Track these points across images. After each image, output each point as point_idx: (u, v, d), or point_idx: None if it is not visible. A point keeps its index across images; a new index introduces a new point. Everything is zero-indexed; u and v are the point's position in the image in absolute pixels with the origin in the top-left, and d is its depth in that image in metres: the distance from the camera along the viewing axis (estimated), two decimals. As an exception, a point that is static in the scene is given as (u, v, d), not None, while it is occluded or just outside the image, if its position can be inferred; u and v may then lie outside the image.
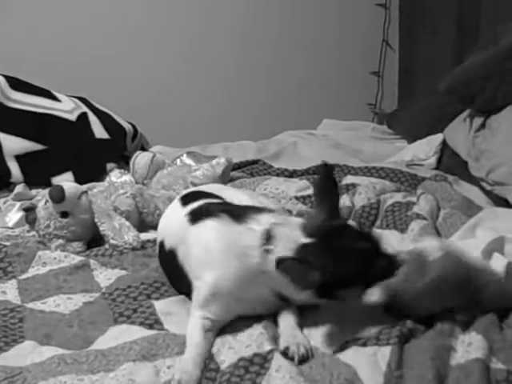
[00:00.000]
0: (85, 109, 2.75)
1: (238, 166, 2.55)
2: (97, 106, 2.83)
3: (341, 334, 1.30)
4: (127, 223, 1.95)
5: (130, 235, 1.90)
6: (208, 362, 1.26)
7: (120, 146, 2.72)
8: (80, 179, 2.33)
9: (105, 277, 1.68)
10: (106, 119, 2.77)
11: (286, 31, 3.60)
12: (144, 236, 1.96)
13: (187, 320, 1.40)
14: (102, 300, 1.56)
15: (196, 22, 3.47)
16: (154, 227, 1.99)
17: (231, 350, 1.27)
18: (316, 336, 1.31)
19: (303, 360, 1.22)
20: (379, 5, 3.63)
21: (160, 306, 1.49)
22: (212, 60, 3.51)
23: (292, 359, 1.22)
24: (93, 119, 2.71)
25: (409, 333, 1.25)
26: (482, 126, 2.50)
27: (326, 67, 3.67)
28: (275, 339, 1.30)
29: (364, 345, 1.25)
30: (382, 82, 3.80)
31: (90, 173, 2.48)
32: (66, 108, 2.70)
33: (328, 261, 1.24)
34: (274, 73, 3.63)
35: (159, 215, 2.00)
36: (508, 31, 2.52)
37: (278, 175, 2.39)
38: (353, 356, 1.22)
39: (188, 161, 2.44)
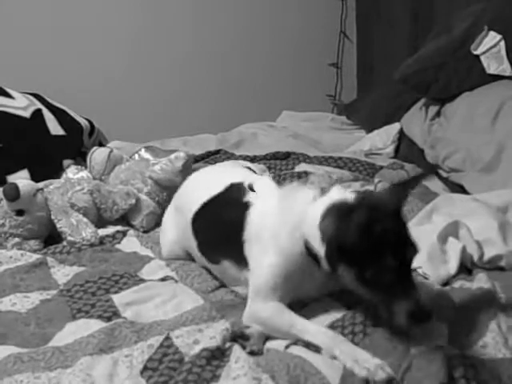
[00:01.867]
0: (39, 105, 2.69)
1: (201, 158, 2.56)
2: (51, 102, 2.75)
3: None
4: (85, 219, 1.93)
5: (88, 231, 1.89)
6: (172, 352, 1.23)
7: (76, 143, 2.67)
8: (36, 177, 2.29)
9: (62, 274, 1.65)
10: (61, 115, 2.71)
11: (243, 23, 3.58)
12: (102, 232, 1.94)
13: (148, 307, 1.42)
14: (59, 297, 1.53)
15: (150, 16, 3.42)
16: (113, 223, 2.01)
17: (196, 342, 1.25)
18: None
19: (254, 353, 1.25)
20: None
21: (119, 298, 1.48)
22: (168, 53, 3.48)
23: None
24: (48, 116, 2.65)
25: (363, 327, 1.24)
26: (437, 114, 2.55)
27: (284, 59, 3.66)
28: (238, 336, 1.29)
29: None
30: (341, 74, 3.82)
31: (47, 170, 2.43)
32: (20, 105, 2.63)
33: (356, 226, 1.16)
34: (233, 66, 3.61)
35: (117, 211, 2.01)
36: (460, 20, 2.56)
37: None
38: (306, 350, 1.22)
39: (146, 155, 2.42)
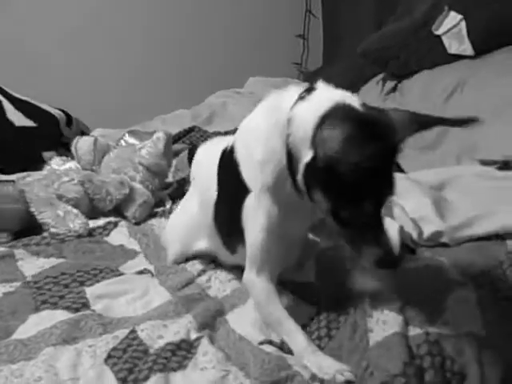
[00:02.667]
0: (-1, 97, 2.69)
1: (178, 137, 2.53)
2: (14, 94, 2.68)
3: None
4: (75, 210, 1.90)
5: (77, 222, 1.85)
6: (137, 343, 1.22)
7: (53, 133, 2.63)
8: (8, 170, 2.27)
9: (34, 266, 1.61)
10: (25, 106, 2.63)
11: None
12: (94, 223, 1.91)
13: (119, 302, 1.39)
14: (23, 289, 1.48)
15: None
16: (105, 214, 1.97)
17: (160, 337, 1.24)
18: (244, 325, 1.29)
19: None
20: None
21: (92, 290, 1.46)
22: (133, 26, 3.49)
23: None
24: (8, 107, 2.58)
25: (327, 330, 1.23)
26: (394, 89, 2.58)
27: (252, 30, 3.68)
28: (203, 326, 1.28)
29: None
30: (308, 44, 3.88)
31: (20, 162, 2.36)
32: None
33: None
34: (202, 36, 3.60)
35: (111, 201, 1.97)
36: (421, 1, 2.61)
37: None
38: (273, 350, 1.20)
39: (131, 140, 2.37)
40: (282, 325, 1.23)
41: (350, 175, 0.98)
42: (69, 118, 2.73)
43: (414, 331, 1.15)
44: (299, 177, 1.11)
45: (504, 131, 1.88)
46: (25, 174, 2.11)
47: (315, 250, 1.51)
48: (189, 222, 1.58)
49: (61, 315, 1.33)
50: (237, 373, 1.12)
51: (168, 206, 2.01)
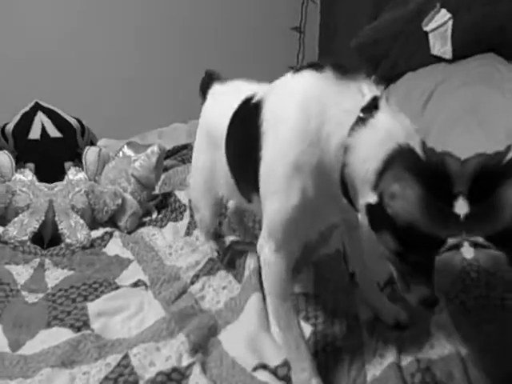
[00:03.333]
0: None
1: (171, 153, 2.53)
2: (46, 105, 2.71)
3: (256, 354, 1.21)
4: (81, 221, 1.91)
5: (83, 233, 1.87)
6: (128, 372, 1.17)
7: (72, 144, 2.64)
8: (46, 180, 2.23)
9: (54, 277, 1.64)
10: (55, 117, 2.68)
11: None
12: (94, 234, 1.91)
13: (115, 320, 1.37)
14: (44, 301, 1.50)
15: (121, 11, 3.42)
16: (103, 224, 1.99)
17: (152, 365, 1.20)
18: (237, 346, 1.23)
19: None
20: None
21: (92, 306, 1.44)
22: (132, 39, 3.46)
23: None
24: (43, 119, 2.63)
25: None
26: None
27: (247, 34, 3.57)
28: (196, 349, 1.22)
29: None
30: (304, 39, 3.73)
31: (53, 173, 2.35)
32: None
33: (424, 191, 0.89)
34: (197, 39, 3.54)
35: (107, 211, 1.97)
36: None
37: None
38: (274, 378, 1.14)
39: (128, 152, 2.38)
40: (291, 331, 1.12)
41: (423, 233, 0.91)
42: (82, 127, 2.74)
43: (406, 360, 1.12)
44: (356, 207, 1.01)
45: (459, 141, 1.83)
46: (53, 185, 2.14)
47: (313, 255, 1.47)
48: (204, 175, 1.49)
49: (65, 334, 1.33)
50: None
51: (154, 216, 2.01)
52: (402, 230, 0.91)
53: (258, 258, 1.49)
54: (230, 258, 1.65)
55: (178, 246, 1.77)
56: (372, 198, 0.94)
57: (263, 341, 1.24)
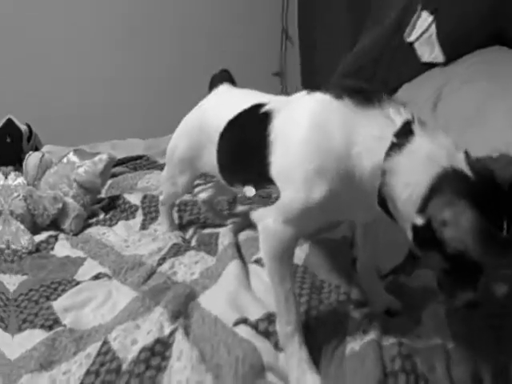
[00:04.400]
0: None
1: (122, 162, 2.52)
2: None
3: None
4: (22, 227, 1.89)
5: (25, 239, 1.85)
6: (109, 359, 1.16)
7: (17, 148, 2.67)
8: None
9: (11, 283, 1.60)
10: (7, 123, 2.65)
11: (181, 37, 3.53)
12: (37, 238, 1.90)
13: (85, 312, 1.36)
14: (10, 307, 1.46)
15: (80, 17, 3.38)
16: (45, 228, 1.98)
17: (134, 343, 1.20)
18: (218, 304, 1.25)
19: None
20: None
21: (58, 304, 1.42)
22: (98, 55, 3.43)
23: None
24: None
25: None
26: None
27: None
28: (176, 315, 1.24)
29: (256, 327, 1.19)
30: (286, 82, 3.78)
31: None
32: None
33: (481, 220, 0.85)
34: (171, 73, 3.55)
35: (48, 216, 1.97)
36: (392, 8, 2.50)
37: (161, 169, 2.17)
38: (250, 333, 1.16)
39: (74, 158, 2.38)
40: (284, 285, 1.12)
41: (476, 260, 0.90)
42: (30, 132, 2.77)
43: (388, 341, 1.11)
44: (400, 222, 1.01)
45: (487, 133, 1.82)
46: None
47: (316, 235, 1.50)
48: (187, 156, 1.59)
49: (38, 335, 1.31)
50: (211, 382, 1.07)
51: (101, 217, 2.03)
52: (453, 254, 0.90)
53: (234, 235, 1.60)
54: (200, 240, 1.69)
55: (134, 238, 1.79)
56: (418, 220, 0.93)
57: (244, 298, 1.27)
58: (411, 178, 0.95)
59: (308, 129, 1.06)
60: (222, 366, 1.07)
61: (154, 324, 1.21)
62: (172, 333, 1.18)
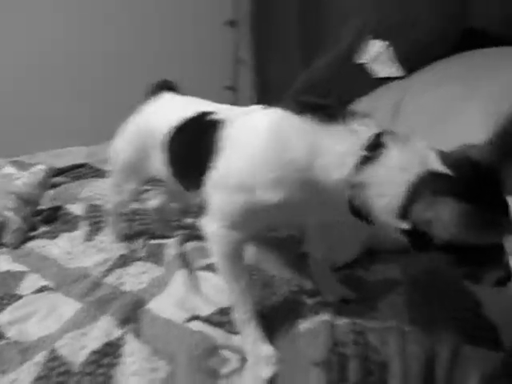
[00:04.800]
0: None
1: (62, 172, 2.43)
2: None
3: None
4: None
5: None
6: (58, 364, 1.17)
7: None
8: None
9: None
10: None
11: (133, 47, 3.48)
12: None
13: (30, 323, 1.34)
14: None
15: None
16: None
17: (82, 348, 1.21)
18: (167, 308, 1.28)
19: None
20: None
21: (1, 318, 1.40)
22: (33, 60, 3.35)
23: None
24: None
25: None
26: None
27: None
28: (125, 322, 1.26)
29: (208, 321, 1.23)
30: (238, 96, 3.78)
31: None
32: None
33: (470, 212, 0.87)
34: (119, 85, 3.48)
35: None
36: (345, 35, 2.58)
37: (106, 177, 2.15)
38: (203, 326, 1.21)
39: (11, 170, 2.33)
40: (239, 282, 1.18)
41: (477, 243, 0.91)
42: None
43: (342, 320, 1.15)
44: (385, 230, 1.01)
45: (458, 133, 1.79)
46: None
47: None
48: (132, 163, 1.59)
49: None
50: (164, 367, 1.11)
51: (42, 230, 1.97)
52: (453, 247, 0.91)
53: (180, 245, 1.61)
54: (148, 251, 1.69)
55: (78, 250, 1.76)
56: (403, 225, 0.94)
57: (194, 300, 1.31)
58: (385, 189, 0.96)
59: (269, 140, 1.08)
60: (175, 353, 1.11)
61: (102, 331, 1.23)
62: (122, 336, 1.20)
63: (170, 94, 1.61)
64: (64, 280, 1.55)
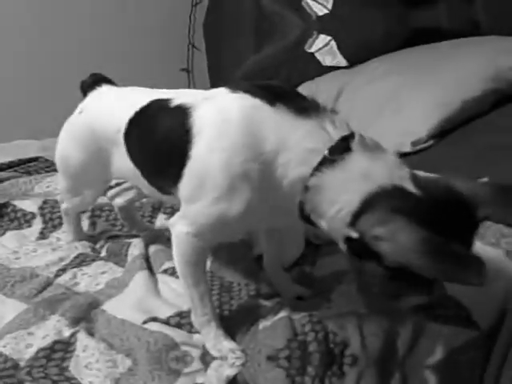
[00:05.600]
0: None
1: (8, 166, 2.26)
2: None
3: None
4: None
5: None
6: (2, 361, 1.11)
7: None
8: None
9: None
10: None
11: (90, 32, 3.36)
12: None
13: None
14: None
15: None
16: None
17: (29, 346, 1.15)
18: (124, 310, 1.24)
19: None
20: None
21: None
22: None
23: None
24: None
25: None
26: None
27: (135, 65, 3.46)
28: (77, 321, 1.20)
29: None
30: (194, 78, 3.73)
31: None
32: None
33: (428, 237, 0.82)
34: (76, 67, 3.05)
35: None
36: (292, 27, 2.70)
37: None
38: (161, 327, 1.17)
39: None
40: (198, 287, 1.13)
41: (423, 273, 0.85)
42: None
43: (299, 315, 1.16)
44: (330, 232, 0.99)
45: (382, 129, 1.95)
46: None
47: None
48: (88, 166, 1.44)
49: None
50: (123, 359, 1.08)
51: None
52: (395, 266, 0.87)
53: (145, 246, 1.56)
54: (110, 250, 1.61)
55: (27, 249, 1.64)
56: (351, 233, 0.92)
57: (152, 302, 1.28)
58: (339, 196, 0.94)
59: (241, 133, 1.03)
60: (133, 349, 1.09)
61: (51, 330, 1.19)
62: (73, 334, 1.17)
63: (107, 86, 1.49)
64: (6, 281, 1.44)
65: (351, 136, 0.98)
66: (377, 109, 2.10)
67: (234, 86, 1.10)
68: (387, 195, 0.89)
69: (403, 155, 1.91)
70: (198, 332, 1.16)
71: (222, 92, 1.12)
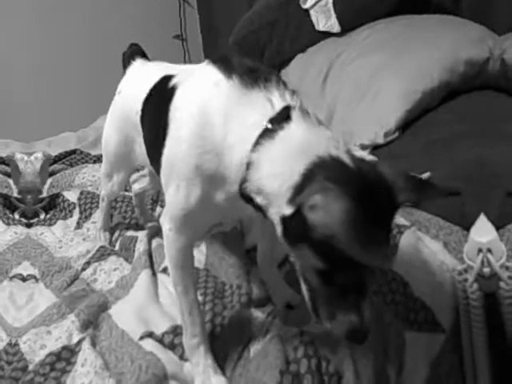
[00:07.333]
0: None
1: (59, 158, 2.45)
2: None
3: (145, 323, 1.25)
4: None
5: None
6: (17, 359, 1.19)
7: None
8: None
9: None
10: None
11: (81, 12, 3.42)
12: None
13: (8, 312, 1.35)
14: None
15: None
16: None
17: (43, 347, 1.22)
18: (126, 318, 1.27)
19: None
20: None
21: None
22: (27, 47, 3.35)
23: None
24: None
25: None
26: None
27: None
28: (86, 325, 1.26)
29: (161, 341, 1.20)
30: (187, 45, 3.71)
31: None
32: None
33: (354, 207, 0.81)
34: (85, 53, 3.47)
35: None
36: None
37: (94, 162, 2.35)
38: (161, 347, 1.18)
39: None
40: (187, 295, 1.12)
41: (348, 252, 0.83)
42: None
43: (291, 331, 1.13)
44: (271, 216, 0.93)
45: (365, 113, 1.92)
46: None
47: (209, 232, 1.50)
48: (119, 149, 1.48)
49: None
50: None
51: (42, 217, 1.98)
52: (321, 243, 0.83)
53: (148, 241, 1.59)
54: (122, 244, 1.68)
55: (68, 238, 1.77)
56: (287, 211, 0.87)
57: (151, 310, 1.30)
58: (280, 168, 0.89)
59: (194, 115, 1.00)
60: (124, 374, 1.08)
61: (64, 332, 1.24)
62: (79, 342, 1.20)
63: (138, 62, 1.50)
64: (49, 270, 1.56)
65: (293, 106, 0.93)
66: (360, 92, 1.99)
67: (212, 60, 1.06)
68: (327, 166, 0.86)
69: (375, 148, 1.84)
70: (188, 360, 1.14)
71: (199, 68, 1.09)
